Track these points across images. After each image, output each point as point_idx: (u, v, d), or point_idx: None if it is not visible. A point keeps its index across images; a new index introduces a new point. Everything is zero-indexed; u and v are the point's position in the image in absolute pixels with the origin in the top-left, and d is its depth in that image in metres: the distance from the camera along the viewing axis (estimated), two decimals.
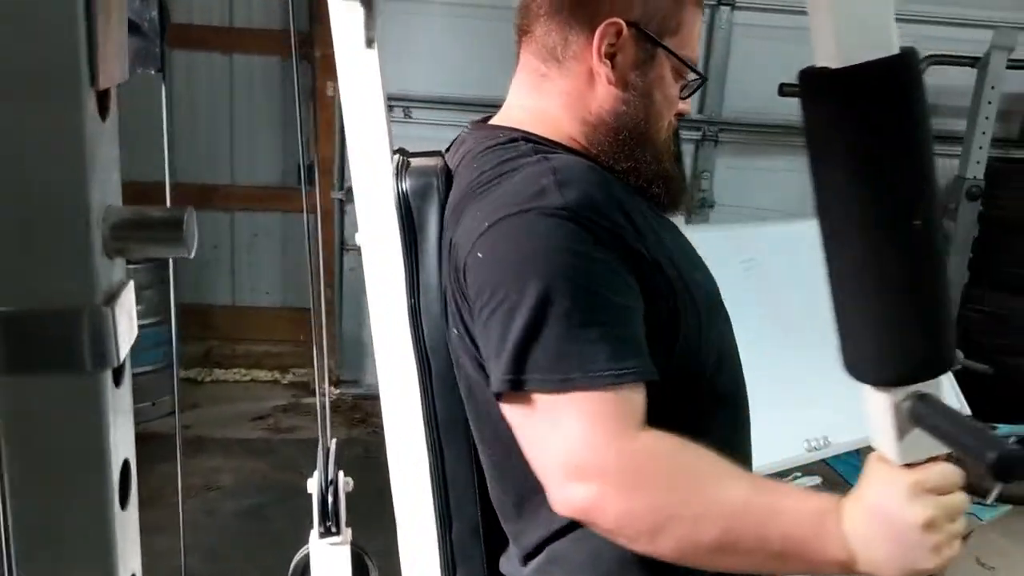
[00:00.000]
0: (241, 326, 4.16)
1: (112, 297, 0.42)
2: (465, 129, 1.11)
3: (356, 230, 1.06)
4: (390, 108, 3.76)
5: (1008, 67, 3.53)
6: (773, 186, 3.80)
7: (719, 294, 1.07)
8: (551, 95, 1.04)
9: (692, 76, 1.07)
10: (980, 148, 3.58)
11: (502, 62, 4.19)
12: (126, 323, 0.43)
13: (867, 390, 0.75)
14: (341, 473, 1.18)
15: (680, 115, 1.09)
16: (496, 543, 1.08)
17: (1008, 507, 2.45)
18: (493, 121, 1.09)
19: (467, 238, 0.93)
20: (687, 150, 4.00)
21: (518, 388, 0.86)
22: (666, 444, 0.85)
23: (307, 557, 1.21)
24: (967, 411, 2.63)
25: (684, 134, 3.96)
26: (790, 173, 3.68)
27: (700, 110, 3.94)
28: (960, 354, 3.46)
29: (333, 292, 4.13)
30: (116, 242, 0.41)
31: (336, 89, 4.10)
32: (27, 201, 0.39)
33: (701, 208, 3.96)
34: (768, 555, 0.83)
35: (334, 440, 1.22)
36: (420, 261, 0.99)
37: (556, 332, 0.85)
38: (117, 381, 0.43)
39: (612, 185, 0.97)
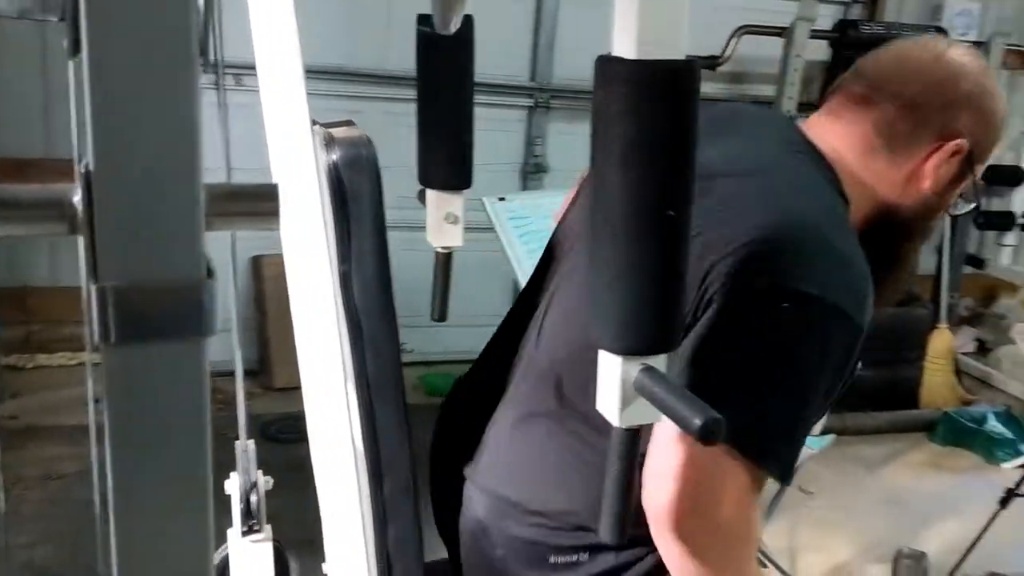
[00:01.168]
0: (64, 308, 3.93)
1: (210, 270, 0.44)
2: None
3: None
4: (226, 76, 3.58)
5: (811, 37, 3.84)
6: None
7: None
8: (870, 170, 1.13)
9: (971, 202, 1.23)
10: (788, 112, 3.88)
11: (357, 30, 4.09)
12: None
13: (602, 357, 0.80)
14: (260, 472, 1.20)
15: None
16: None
17: (833, 436, 2.72)
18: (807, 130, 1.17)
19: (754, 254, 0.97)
20: (519, 116, 4.11)
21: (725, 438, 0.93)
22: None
23: (225, 558, 1.22)
24: None
25: (516, 101, 4.08)
26: None
27: (532, 77, 4.05)
28: None
29: None
30: (214, 216, 0.44)
31: None
32: (147, 175, 0.41)
33: (536, 173, 4.09)
34: None
35: (251, 441, 1.23)
36: (352, 229, 1.02)
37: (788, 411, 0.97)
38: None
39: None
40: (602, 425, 0.83)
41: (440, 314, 1.48)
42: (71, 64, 0.98)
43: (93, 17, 0.39)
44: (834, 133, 1.15)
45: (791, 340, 0.96)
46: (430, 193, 1.37)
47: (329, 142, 1.02)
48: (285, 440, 3.24)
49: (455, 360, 4.21)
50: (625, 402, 0.80)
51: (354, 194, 1.01)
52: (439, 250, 1.42)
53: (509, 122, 4.09)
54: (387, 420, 1.07)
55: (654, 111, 0.74)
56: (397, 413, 1.07)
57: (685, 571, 0.98)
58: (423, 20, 1.31)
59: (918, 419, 4.06)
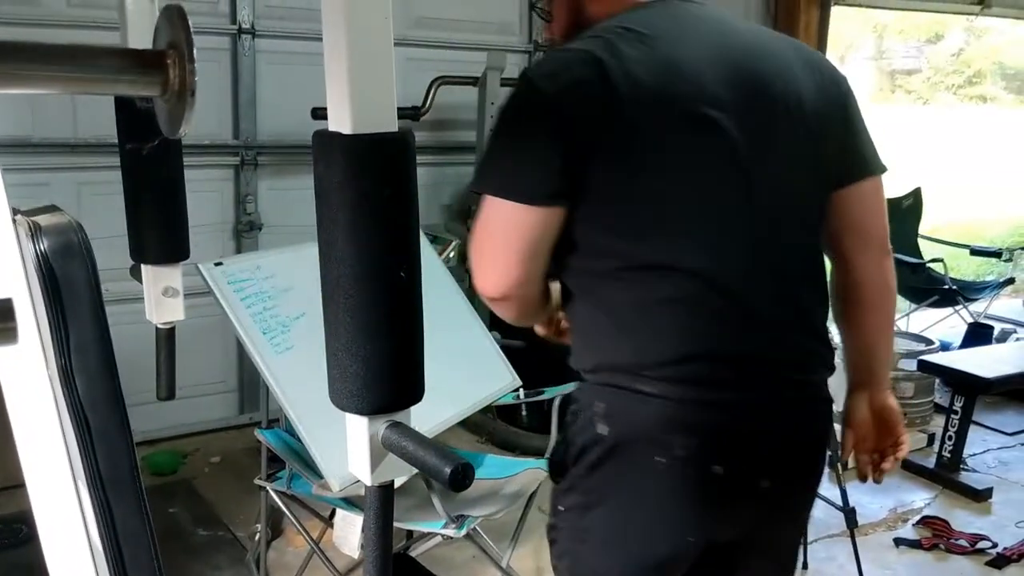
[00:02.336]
0: None
1: None
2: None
3: None
4: None
5: (501, 85, 4.07)
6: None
7: None
8: None
9: None
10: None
11: (39, 98, 3.74)
12: None
13: (349, 419, 0.82)
14: None
15: None
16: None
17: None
18: None
19: (835, 76, 1.45)
20: (226, 175, 4.01)
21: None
22: None
23: None
24: (518, 382, 3.05)
25: (222, 160, 3.98)
26: None
27: (236, 135, 3.97)
28: (497, 335, 3.94)
29: None
30: None
31: None
32: None
33: (250, 231, 4.00)
34: None
35: None
36: (69, 321, 0.97)
37: None
38: None
39: None
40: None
41: (167, 392, 1.42)
42: None
43: None
44: None
45: None
46: (146, 268, 1.32)
47: (35, 232, 0.97)
48: (7, 546, 2.96)
49: (180, 435, 4.00)
50: (375, 461, 0.82)
51: (68, 284, 0.96)
52: (160, 326, 1.36)
53: (217, 182, 3.98)
54: (127, 517, 1.02)
55: (375, 180, 0.78)
56: (136, 507, 1.02)
57: None
58: (121, 106, 1.26)
59: None
